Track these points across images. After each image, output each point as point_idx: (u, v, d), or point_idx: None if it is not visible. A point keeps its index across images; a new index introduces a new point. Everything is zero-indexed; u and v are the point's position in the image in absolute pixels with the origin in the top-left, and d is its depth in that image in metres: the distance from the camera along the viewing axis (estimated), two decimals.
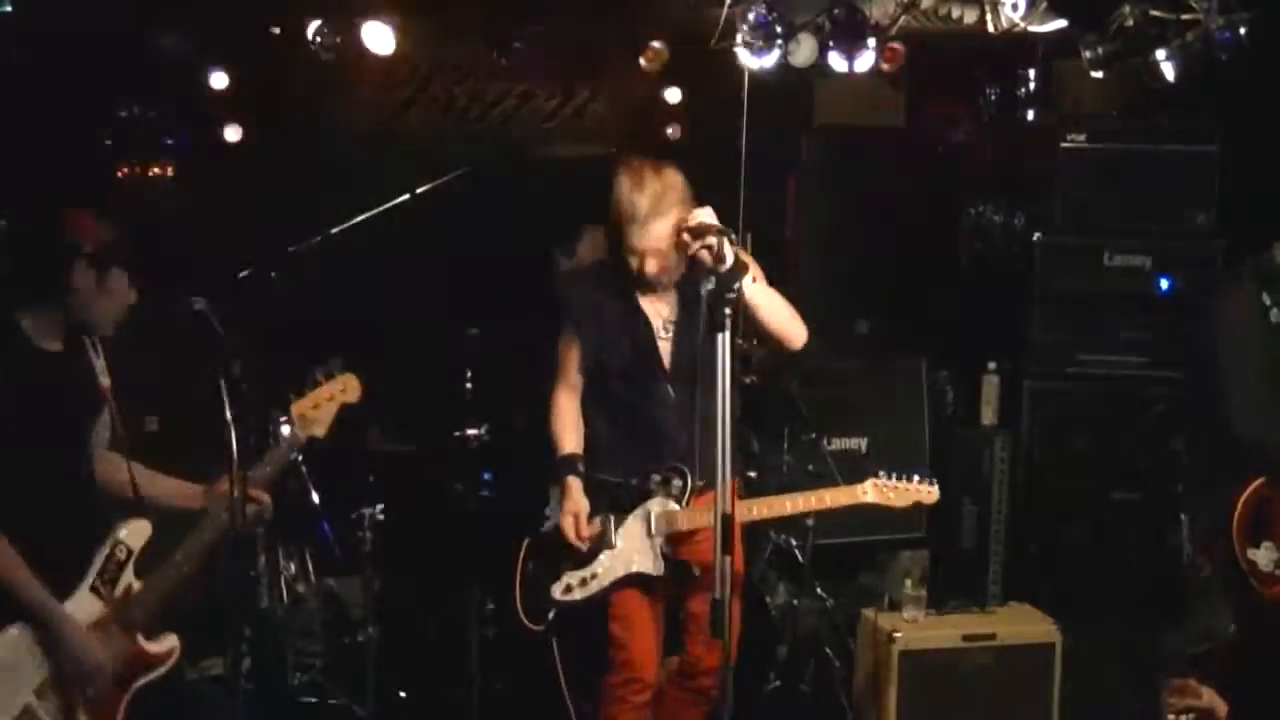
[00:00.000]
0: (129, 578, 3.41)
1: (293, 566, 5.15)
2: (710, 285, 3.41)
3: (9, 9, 4.38)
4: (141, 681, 3.41)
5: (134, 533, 3.43)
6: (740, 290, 3.48)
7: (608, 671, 4.01)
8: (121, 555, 3.41)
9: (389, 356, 5.32)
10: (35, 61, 5.07)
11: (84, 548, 3.38)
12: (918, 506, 4.14)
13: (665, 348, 3.99)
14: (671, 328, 3.99)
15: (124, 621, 3.37)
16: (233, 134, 5.72)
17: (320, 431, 3.68)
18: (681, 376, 3.94)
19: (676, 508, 3.96)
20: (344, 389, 3.74)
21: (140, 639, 3.41)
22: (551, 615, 4.01)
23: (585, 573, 3.98)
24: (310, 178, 5.98)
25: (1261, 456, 4.62)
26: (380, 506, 4.87)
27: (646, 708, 4.02)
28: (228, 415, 3.07)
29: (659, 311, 3.99)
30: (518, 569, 4.10)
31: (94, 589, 3.36)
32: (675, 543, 3.99)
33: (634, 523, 3.99)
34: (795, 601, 5.24)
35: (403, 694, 5.10)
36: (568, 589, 3.98)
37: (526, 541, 4.11)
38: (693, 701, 4.13)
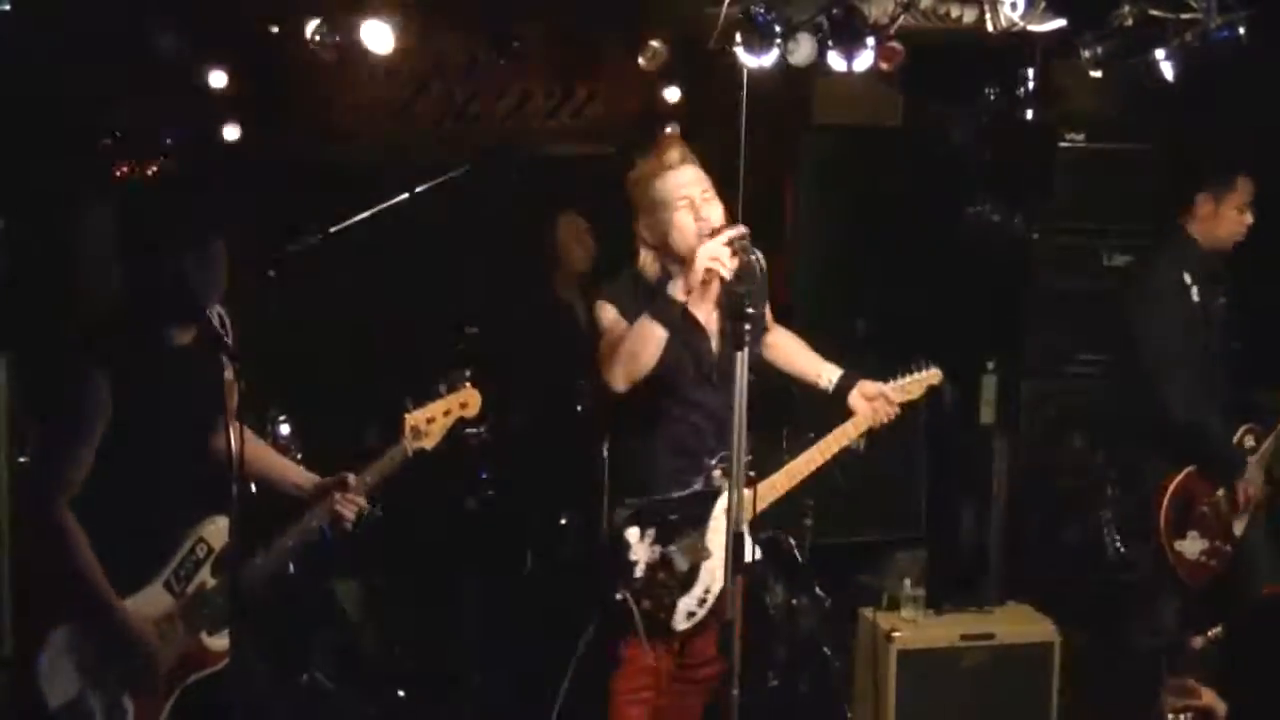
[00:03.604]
0: (204, 575, 3.41)
1: (292, 566, 5.15)
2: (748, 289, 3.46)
3: (8, 8, 4.37)
4: (195, 677, 3.40)
5: (217, 531, 3.42)
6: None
7: (615, 672, 3.93)
8: (201, 553, 3.41)
9: (388, 356, 5.34)
10: (34, 61, 5.07)
11: (172, 542, 3.39)
12: (931, 391, 4.22)
13: (717, 358, 3.89)
14: (717, 337, 3.90)
15: (190, 618, 3.37)
16: (232, 134, 5.71)
17: (430, 445, 3.63)
18: (725, 386, 3.79)
19: (749, 493, 3.74)
20: (464, 403, 3.69)
21: (203, 636, 3.40)
22: (679, 645, 3.96)
23: (699, 593, 3.86)
24: (309, 177, 5.97)
25: (1200, 443, 4.65)
26: (380, 506, 4.87)
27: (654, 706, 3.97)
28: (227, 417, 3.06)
29: (706, 320, 3.88)
30: (636, 620, 3.85)
31: (167, 584, 3.37)
32: (754, 525, 3.76)
33: (718, 523, 3.85)
34: (794, 601, 5.24)
35: (402, 694, 5.10)
36: (690, 615, 3.87)
37: (622, 597, 3.85)
38: (693, 692, 4.10)
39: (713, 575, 3.87)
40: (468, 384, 3.74)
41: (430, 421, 3.63)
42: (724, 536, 3.74)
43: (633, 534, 3.85)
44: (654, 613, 3.85)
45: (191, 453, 3.43)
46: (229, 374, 3.33)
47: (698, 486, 3.88)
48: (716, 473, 3.87)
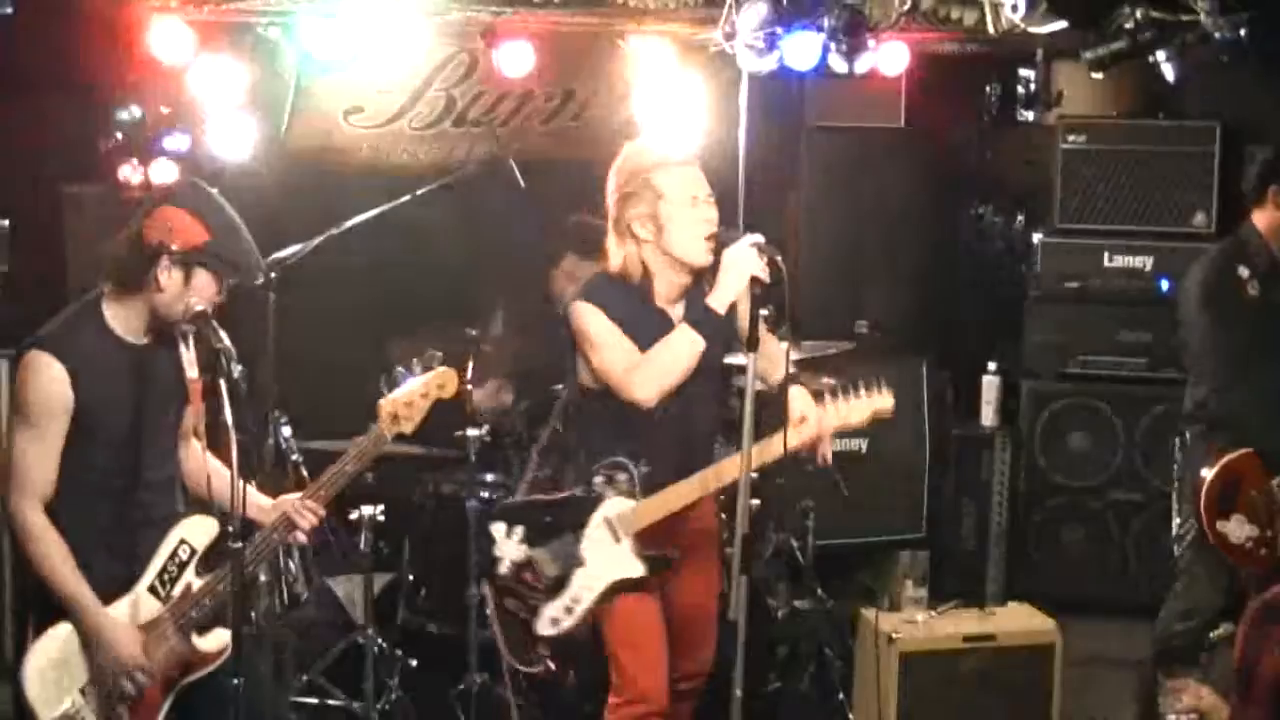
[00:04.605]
0: (189, 577, 3.39)
1: (292, 566, 5.15)
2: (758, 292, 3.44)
3: (9, 10, 4.37)
4: (188, 679, 3.39)
5: (199, 531, 3.40)
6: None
7: (613, 697, 3.79)
8: (184, 555, 3.39)
9: (388, 357, 5.33)
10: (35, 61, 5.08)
11: (152, 544, 3.37)
12: (876, 420, 3.77)
13: None
14: None
15: (179, 621, 3.35)
16: (232, 134, 5.70)
17: (410, 429, 3.56)
18: (688, 388, 3.73)
19: (633, 503, 3.70)
20: (442, 385, 3.61)
21: (194, 638, 3.39)
22: (547, 652, 3.79)
23: (566, 600, 3.73)
24: (308, 178, 5.97)
25: (1240, 435, 4.62)
26: (380, 506, 4.87)
27: None
28: (228, 418, 3.06)
29: (678, 323, 3.76)
30: (492, 613, 3.85)
31: (152, 588, 3.35)
32: (643, 538, 3.72)
33: (596, 532, 3.72)
34: (796, 602, 5.24)
35: (402, 694, 5.10)
36: (554, 621, 3.74)
37: (491, 585, 3.86)
38: (682, 697, 4.03)
39: (586, 584, 3.73)
40: (443, 365, 3.66)
41: (409, 405, 3.56)
42: (600, 546, 3.71)
43: (499, 529, 3.79)
44: (515, 613, 3.77)
45: (162, 454, 3.41)
46: (193, 373, 3.32)
47: (577, 491, 3.75)
48: (599, 479, 3.72)
